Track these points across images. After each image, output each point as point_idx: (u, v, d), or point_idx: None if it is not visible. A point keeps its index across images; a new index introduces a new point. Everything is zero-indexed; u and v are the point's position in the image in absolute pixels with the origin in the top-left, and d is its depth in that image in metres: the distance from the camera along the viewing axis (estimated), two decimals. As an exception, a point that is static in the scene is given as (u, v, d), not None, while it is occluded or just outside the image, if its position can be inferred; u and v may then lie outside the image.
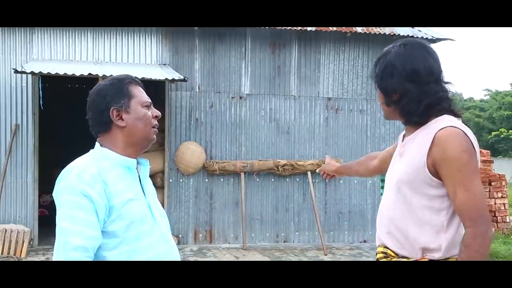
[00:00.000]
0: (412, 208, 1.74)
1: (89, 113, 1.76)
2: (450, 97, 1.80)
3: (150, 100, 1.78)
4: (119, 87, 1.73)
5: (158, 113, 1.79)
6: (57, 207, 1.60)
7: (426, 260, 1.73)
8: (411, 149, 1.78)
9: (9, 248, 6.64)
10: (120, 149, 1.71)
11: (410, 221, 1.75)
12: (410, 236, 1.75)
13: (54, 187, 1.64)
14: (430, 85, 1.76)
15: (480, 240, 1.63)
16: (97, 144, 1.75)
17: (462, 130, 1.70)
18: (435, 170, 1.70)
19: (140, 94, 1.76)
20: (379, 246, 1.87)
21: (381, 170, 2.26)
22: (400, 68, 1.76)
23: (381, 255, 1.83)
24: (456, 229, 1.73)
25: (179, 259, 1.78)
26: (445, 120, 1.73)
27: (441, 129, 1.69)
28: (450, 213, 1.72)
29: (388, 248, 1.82)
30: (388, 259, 1.80)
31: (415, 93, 1.75)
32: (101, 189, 1.59)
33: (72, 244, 1.52)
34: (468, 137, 1.70)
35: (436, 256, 1.72)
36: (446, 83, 1.81)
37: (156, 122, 1.78)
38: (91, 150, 1.75)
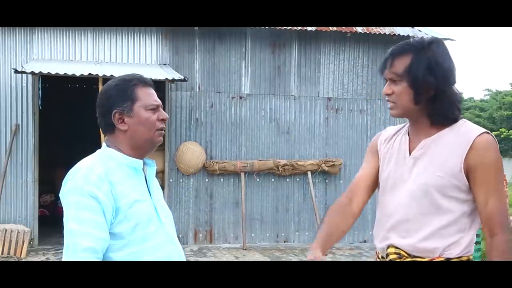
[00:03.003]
0: (440, 211, 1.73)
1: (97, 112, 1.75)
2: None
3: (157, 103, 1.73)
4: (124, 89, 1.70)
5: (165, 116, 1.74)
6: (64, 208, 1.60)
7: (441, 259, 1.74)
8: (439, 152, 1.75)
9: (9, 248, 6.64)
10: (125, 151, 1.71)
11: (435, 224, 1.74)
12: (431, 239, 1.74)
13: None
14: (455, 87, 1.78)
15: (510, 246, 1.69)
16: (104, 144, 1.75)
17: (495, 138, 1.75)
18: (467, 175, 1.71)
19: (145, 97, 1.71)
20: (388, 247, 1.84)
21: (362, 208, 1.97)
22: (443, 67, 1.74)
23: (395, 255, 1.81)
24: (475, 231, 1.78)
25: (184, 260, 1.77)
26: (476, 126, 1.75)
27: (479, 134, 1.70)
28: (473, 216, 1.76)
29: (401, 249, 1.81)
30: (402, 259, 1.79)
31: (452, 94, 1.76)
32: (108, 190, 1.58)
33: (81, 246, 1.52)
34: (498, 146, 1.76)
35: (454, 253, 1.74)
36: None
37: (163, 125, 1.73)
38: (98, 150, 1.74)
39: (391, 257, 1.81)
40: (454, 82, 1.78)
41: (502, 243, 1.68)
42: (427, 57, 1.74)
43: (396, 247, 1.81)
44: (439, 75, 1.72)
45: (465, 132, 1.72)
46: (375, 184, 1.97)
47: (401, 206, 1.81)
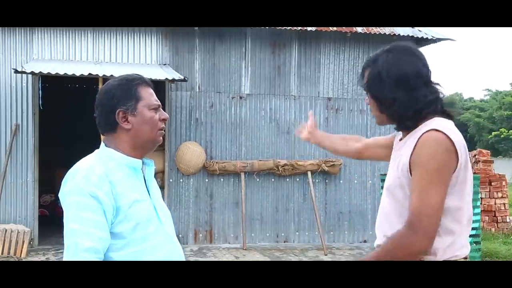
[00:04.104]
0: (406, 210, 1.72)
1: (96, 111, 1.73)
2: (440, 98, 1.79)
3: (158, 103, 1.75)
4: (127, 89, 1.70)
5: (166, 116, 1.76)
6: (64, 209, 1.59)
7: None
8: (401, 154, 1.78)
9: (9, 248, 6.64)
10: (125, 150, 1.70)
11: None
12: None
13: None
14: (419, 90, 1.74)
15: (405, 243, 1.64)
16: (102, 144, 1.74)
17: (445, 134, 1.66)
18: None
19: (148, 97, 1.73)
20: (377, 247, 1.87)
21: (359, 156, 2.25)
22: (389, 75, 1.75)
23: None
24: (453, 234, 1.71)
25: (184, 259, 1.77)
26: (432, 124, 1.71)
27: (424, 133, 1.68)
28: (442, 220, 1.70)
29: None
30: None
31: (404, 99, 1.74)
32: (108, 190, 1.58)
33: (83, 246, 1.52)
34: (451, 142, 1.65)
35: (432, 259, 1.71)
36: (435, 84, 1.80)
37: (163, 125, 1.75)
38: (96, 150, 1.73)
39: None
40: (413, 87, 1.74)
41: (397, 237, 1.66)
42: (376, 67, 1.79)
43: None
44: (388, 83, 1.75)
45: (419, 132, 1.72)
46: (384, 149, 2.09)
47: (382, 206, 1.87)
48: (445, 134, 1.66)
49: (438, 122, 1.71)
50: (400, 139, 1.91)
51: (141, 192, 1.70)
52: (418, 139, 1.68)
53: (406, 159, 1.71)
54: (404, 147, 1.78)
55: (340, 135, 2.43)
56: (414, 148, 1.69)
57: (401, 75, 1.74)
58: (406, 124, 1.78)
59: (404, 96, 1.74)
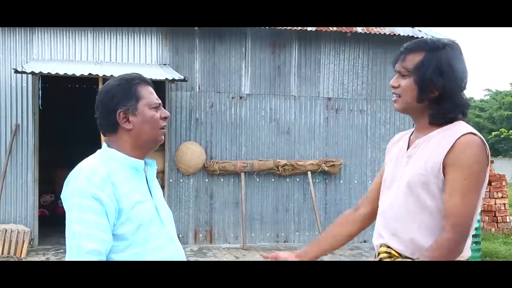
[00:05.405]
0: (425, 209, 1.73)
1: (96, 112, 1.73)
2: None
3: (159, 101, 1.75)
4: (127, 88, 1.69)
5: (167, 114, 1.75)
6: (66, 210, 1.59)
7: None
8: (425, 151, 1.76)
9: (9, 248, 6.64)
10: (127, 150, 1.69)
11: (421, 222, 1.73)
12: (418, 237, 1.74)
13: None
14: (464, 92, 1.79)
15: (452, 248, 1.65)
16: (104, 144, 1.73)
17: (482, 140, 1.69)
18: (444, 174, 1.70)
19: (148, 96, 1.72)
20: (381, 246, 1.86)
21: (368, 223, 2.11)
22: (454, 70, 1.74)
23: (385, 255, 1.82)
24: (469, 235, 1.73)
25: (185, 260, 1.77)
26: (465, 127, 1.73)
27: (462, 135, 1.68)
28: None
29: (392, 248, 1.81)
30: (392, 259, 1.79)
31: (458, 98, 1.76)
32: (111, 191, 1.57)
33: (85, 248, 1.51)
34: (486, 148, 1.69)
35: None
36: None
37: (165, 123, 1.75)
38: (99, 151, 1.72)
39: (382, 256, 1.82)
40: (464, 88, 1.77)
41: (445, 243, 1.65)
42: (439, 57, 1.74)
43: (388, 246, 1.81)
44: (448, 77, 1.73)
45: (452, 132, 1.71)
46: None
47: (392, 204, 1.84)
48: (481, 139, 1.69)
49: (469, 126, 1.74)
50: (411, 135, 1.89)
51: (143, 193, 1.69)
52: (456, 141, 1.67)
53: (438, 158, 1.70)
54: (428, 146, 1.76)
55: (327, 230, 2.17)
56: (450, 150, 1.68)
57: (462, 74, 1.76)
58: (445, 121, 1.76)
59: (459, 95, 1.76)
